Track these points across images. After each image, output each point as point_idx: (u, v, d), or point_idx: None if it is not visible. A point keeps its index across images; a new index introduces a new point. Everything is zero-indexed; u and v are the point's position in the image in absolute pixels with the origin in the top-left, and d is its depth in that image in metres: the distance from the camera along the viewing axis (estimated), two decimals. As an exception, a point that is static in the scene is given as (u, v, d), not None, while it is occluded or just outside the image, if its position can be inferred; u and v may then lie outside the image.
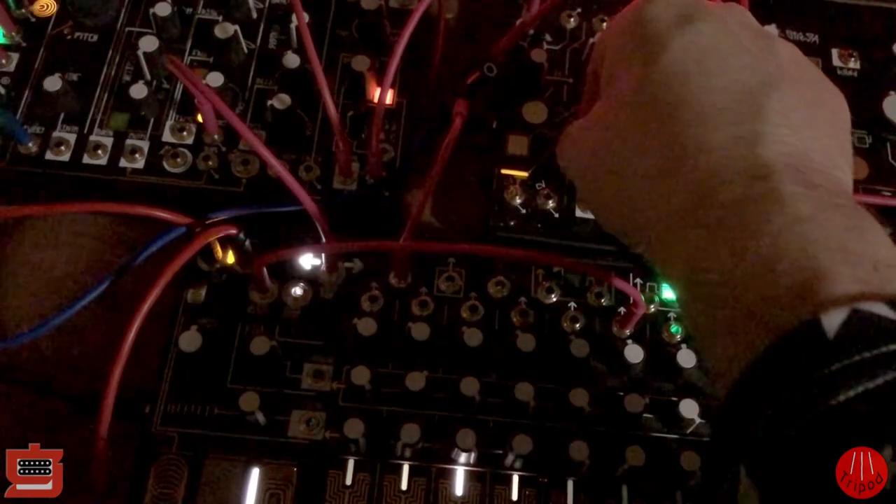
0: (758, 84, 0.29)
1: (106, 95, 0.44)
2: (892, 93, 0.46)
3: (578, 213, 0.43)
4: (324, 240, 0.38)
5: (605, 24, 0.48)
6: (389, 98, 0.44)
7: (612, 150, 0.31)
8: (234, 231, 0.38)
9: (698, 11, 0.31)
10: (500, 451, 0.37)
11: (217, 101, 0.35)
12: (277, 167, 0.36)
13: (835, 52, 0.48)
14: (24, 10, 0.46)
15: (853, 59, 0.48)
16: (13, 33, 0.45)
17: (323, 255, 0.40)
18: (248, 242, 0.39)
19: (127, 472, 0.36)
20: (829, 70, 0.47)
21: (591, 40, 0.46)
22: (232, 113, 0.35)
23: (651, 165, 0.29)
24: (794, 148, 0.28)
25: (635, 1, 0.33)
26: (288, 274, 0.40)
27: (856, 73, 0.48)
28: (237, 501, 0.36)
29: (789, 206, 0.26)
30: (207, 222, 0.38)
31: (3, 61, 0.44)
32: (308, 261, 0.41)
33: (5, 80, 0.44)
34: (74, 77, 0.44)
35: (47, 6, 0.46)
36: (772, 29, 0.47)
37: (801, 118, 0.29)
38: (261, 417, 0.36)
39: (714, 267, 0.26)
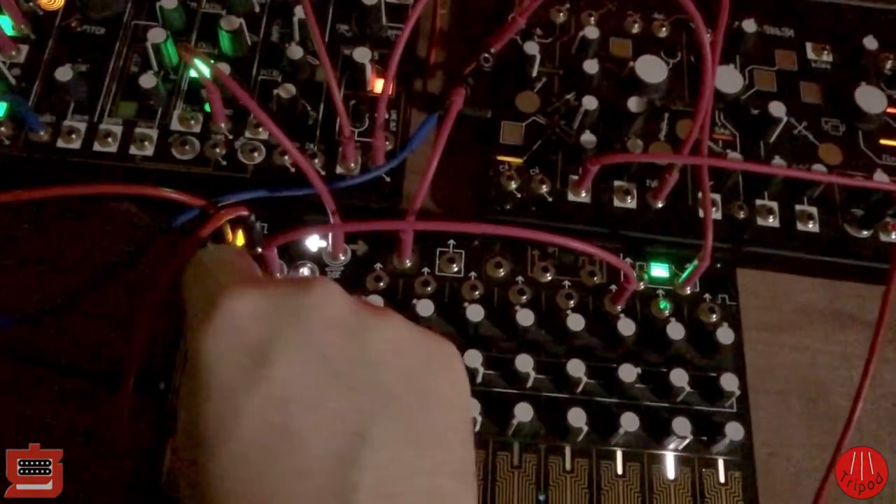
0: (351, 440, 0.23)
1: (115, 85, 0.45)
2: (862, 84, 0.49)
3: (571, 197, 0.45)
4: (332, 220, 0.40)
5: (592, 19, 0.50)
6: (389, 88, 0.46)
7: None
8: (246, 213, 0.39)
9: (275, 336, 0.24)
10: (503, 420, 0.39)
11: (234, 86, 0.37)
12: (290, 148, 0.38)
13: (809, 45, 0.51)
14: (31, 4, 0.47)
15: (826, 52, 0.51)
16: (22, 26, 0.46)
17: (330, 236, 0.41)
18: (258, 224, 0.40)
19: (143, 446, 0.38)
20: (803, 63, 0.50)
21: (581, 34, 0.49)
22: (247, 96, 0.36)
23: None
24: None
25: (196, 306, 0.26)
26: (295, 257, 0.42)
27: (829, 66, 0.50)
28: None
29: None
30: (220, 204, 0.40)
31: (14, 53, 0.45)
32: (314, 243, 0.42)
33: (16, 71, 0.45)
34: (83, 68, 0.45)
35: (54, 0, 0.47)
36: (749, 24, 0.50)
37: (400, 467, 0.24)
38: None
39: None
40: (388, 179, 0.45)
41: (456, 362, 0.27)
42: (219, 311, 0.24)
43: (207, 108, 0.44)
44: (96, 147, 0.44)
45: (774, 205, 0.45)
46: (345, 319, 0.25)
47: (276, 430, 0.23)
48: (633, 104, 0.46)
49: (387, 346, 0.25)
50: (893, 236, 0.45)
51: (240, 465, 0.23)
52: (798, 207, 0.46)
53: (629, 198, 0.45)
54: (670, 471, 0.39)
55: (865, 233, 0.45)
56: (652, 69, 0.48)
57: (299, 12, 0.47)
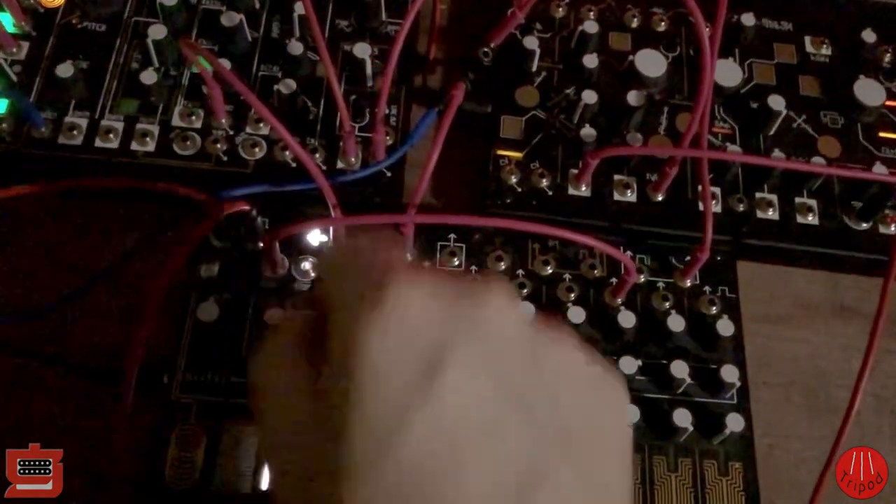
0: (524, 478, 0.20)
1: (115, 82, 0.45)
2: (861, 77, 0.49)
3: (571, 190, 0.45)
4: (334, 214, 0.40)
5: (591, 13, 0.50)
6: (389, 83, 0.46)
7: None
8: (247, 208, 0.40)
9: (450, 343, 0.20)
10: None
11: (235, 81, 0.37)
12: (292, 143, 0.38)
13: (808, 38, 0.51)
14: (32, 1, 0.47)
15: (825, 45, 0.51)
16: (23, 23, 0.46)
17: (331, 230, 0.42)
18: (260, 219, 0.40)
19: (146, 442, 0.38)
20: (802, 56, 0.50)
21: (580, 28, 0.49)
22: (249, 91, 0.37)
23: None
24: None
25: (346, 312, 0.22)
26: (296, 250, 0.42)
27: (827, 59, 0.51)
28: (254, 465, 0.37)
29: None
30: (221, 200, 0.40)
31: (14, 49, 0.45)
32: (316, 237, 0.42)
33: (17, 68, 0.45)
34: (84, 65, 0.46)
35: (55, -3, 0.48)
36: (748, 17, 0.50)
37: None
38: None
39: None
40: (388, 174, 0.45)
41: (625, 399, 0.24)
42: (388, 304, 0.21)
43: (208, 103, 0.45)
44: (98, 143, 0.44)
45: (774, 197, 0.46)
46: (523, 336, 0.22)
47: (442, 455, 0.19)
48: (633, 98, 0.46)
49: (562, 373, 0.22)
50: (892, 228, 0.45)
51: (392, 492, 0.19)
52: (797, 200, 0.46)
53: (629, 191, 0.45)
54: (671, 462, 0.39)
55: (865, 225, 0.45)
56: (651, 63, 0.48)
57: (299, 8, 0.47)
